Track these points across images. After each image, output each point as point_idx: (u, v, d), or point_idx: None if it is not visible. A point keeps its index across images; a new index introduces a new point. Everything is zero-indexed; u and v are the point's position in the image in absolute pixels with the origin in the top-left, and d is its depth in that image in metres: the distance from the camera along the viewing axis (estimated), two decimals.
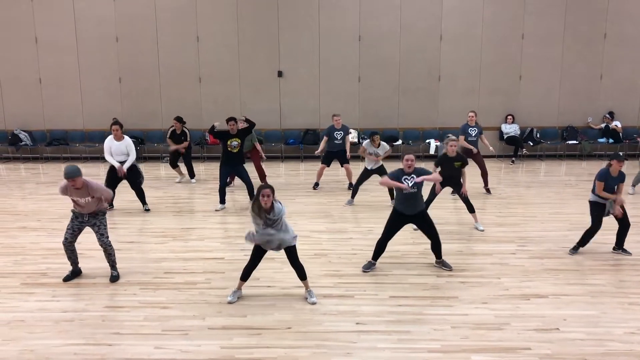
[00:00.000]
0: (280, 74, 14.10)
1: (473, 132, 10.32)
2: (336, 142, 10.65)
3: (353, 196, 9.92)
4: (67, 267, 6.63)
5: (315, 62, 14.04)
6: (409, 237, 7.87)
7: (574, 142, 13.86)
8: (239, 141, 9.34)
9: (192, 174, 11.86)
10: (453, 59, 13.95)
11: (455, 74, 14.02)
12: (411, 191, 6.42)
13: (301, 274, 5.93)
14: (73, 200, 6.22)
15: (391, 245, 7.38)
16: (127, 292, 6.18)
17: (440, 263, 6.80)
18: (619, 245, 7.22)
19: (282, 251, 5.85)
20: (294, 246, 5.84)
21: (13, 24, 13.91)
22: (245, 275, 5.92)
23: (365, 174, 9.75)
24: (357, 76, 14.12)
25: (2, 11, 13.86)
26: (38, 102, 14.30)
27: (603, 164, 7.38)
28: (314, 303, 5.84)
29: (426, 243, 7.51)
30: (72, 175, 5.96)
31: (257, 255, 5.86)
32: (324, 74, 14.10)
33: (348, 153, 10.66)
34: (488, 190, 10.46)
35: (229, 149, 9.33)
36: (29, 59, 14.08)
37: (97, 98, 14.24)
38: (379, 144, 9.60)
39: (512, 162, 13.63)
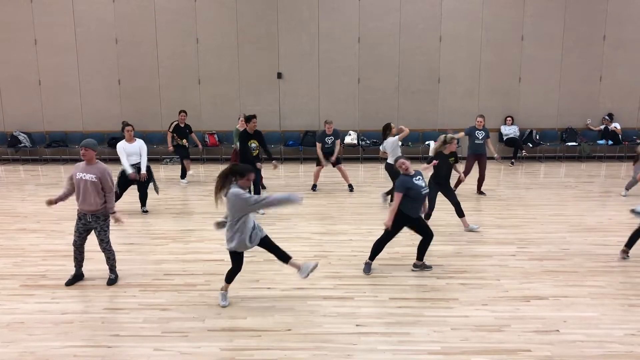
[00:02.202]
0: (279, 75, 14.10)
1: (480, 135, 10.37)
2: (327, 146, 10.81)
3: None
4: (67, 269, 6.64)
5: (314, 63, 14.04)
6: (408, 238, 7.86)
7: (574, 143, 13.86)
8: (257, 143, 9.36)
9: (183, 175, 11.87)
10: (453, 61, 13.97)
11: (455, 75, 14.03)
12: (424, 192, 6.43)
13: (283, 256, 5.76)
14: (75, 186, 6.17)
15: (390, 247, 7.38)
16: (127, 294, 6.17)
17: (421, 265, 6.75)
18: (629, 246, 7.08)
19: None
20: (266, 235, 5.74)
21: (13, 25, 13.91)
22: (230, 279, 5.88)
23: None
24: (357, 77, 14.12)
25: (2, 13, 13.87)
26: (37, 104, 14.30)
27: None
28: (307, 275, 5.80)
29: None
30: (87, 145, 6.08)
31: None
32: (323, 75, 14.10)
33: (334, 156, 10.71)
34: (481, 192, 10.51)
35: (251, 151, 9.29)
36: (29, 60, 14.09)
37: (96, 100, 14.25)
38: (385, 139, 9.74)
39: (512, 163, 13.63)
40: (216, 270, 6.80)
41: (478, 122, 10.44)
